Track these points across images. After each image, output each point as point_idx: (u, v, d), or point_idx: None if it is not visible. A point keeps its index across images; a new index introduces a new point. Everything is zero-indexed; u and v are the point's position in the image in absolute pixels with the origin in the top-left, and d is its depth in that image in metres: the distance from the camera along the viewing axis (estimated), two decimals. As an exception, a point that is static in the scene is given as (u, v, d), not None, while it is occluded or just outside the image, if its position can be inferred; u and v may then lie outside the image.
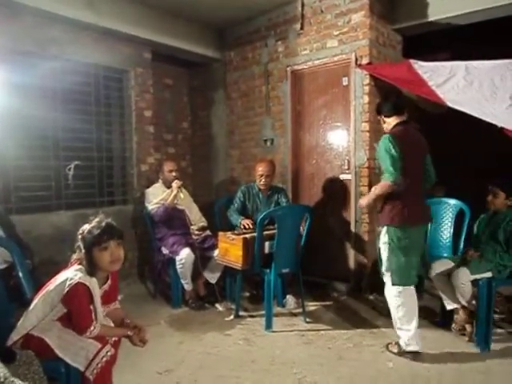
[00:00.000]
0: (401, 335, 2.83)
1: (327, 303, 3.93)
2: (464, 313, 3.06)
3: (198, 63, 5.29)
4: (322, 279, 4.33)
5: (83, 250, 1.98)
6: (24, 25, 3.62)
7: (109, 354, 1.91)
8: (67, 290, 1.88)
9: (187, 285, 3.82)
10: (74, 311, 1.92)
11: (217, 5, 4.37)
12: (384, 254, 2.88)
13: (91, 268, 1.98)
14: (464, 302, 3.01)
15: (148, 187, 4.19)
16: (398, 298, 2.81)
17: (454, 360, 2.79)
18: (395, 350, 2.88)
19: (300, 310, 3.61)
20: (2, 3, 3.42)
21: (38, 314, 1.93)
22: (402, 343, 2.83)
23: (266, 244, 3.41)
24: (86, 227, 2.02)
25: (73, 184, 4.04)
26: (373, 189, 2.91)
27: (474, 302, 3.03)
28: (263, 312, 3.46)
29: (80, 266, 1.98)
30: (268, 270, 3.35)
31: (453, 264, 3.11)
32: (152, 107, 4.73)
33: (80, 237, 2.00)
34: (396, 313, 2.83)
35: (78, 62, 4.07)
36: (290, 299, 3.82)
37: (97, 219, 2.03)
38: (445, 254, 3.56)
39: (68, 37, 3.93)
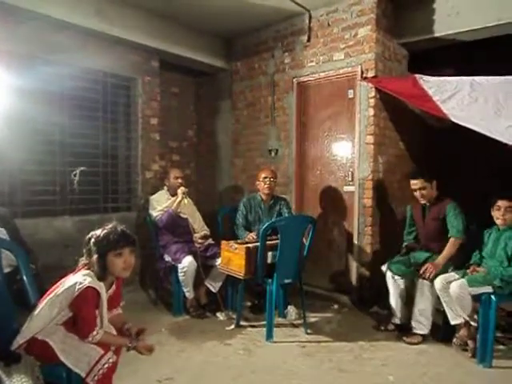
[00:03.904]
0: None
1: (328, 315, 3.92)
2: (466, 328, 3.04)
3: (204, 72, 5.35)
4: (324, 291, 4.33)
5: (96, 255, 1.97)
6: (33, 30, 3.67)
7: (111, 360, 1.91)
8: (77, 293, 1.88)
9: (189, 293, 3.82)
10: (80, 315, 1.92)
11: (225, 15, 4.43)
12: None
13: (103, 273, 1.98)
14: (465, 316, 2.99)
15: (152, 194, 4.21)
16: None
17: (455, 376, 2.77)
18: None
19: (301, 321, 3.60)
20: (12, 10, 3.47)
21: (45, 317, 1.93)
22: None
23: (269, 254, 3.40)
24: (100, 232, 2.01)
25: (78, 189, 4.06)
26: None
27: (475, 316, 3.01)
28: (264, 322, 3.45)
29: (88, 271, 1.97)
30: (270, 280, 3.35)
31: (457, 277, 3.09)
32: (158, 115, 4.77)
33: (93, 241, 1.99)
34: None
35: (87, 69, 4.13)
36: (292, 310, 3.80)
37: (111, 225, 2.03)
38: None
39: (77, 43, 3.99)
